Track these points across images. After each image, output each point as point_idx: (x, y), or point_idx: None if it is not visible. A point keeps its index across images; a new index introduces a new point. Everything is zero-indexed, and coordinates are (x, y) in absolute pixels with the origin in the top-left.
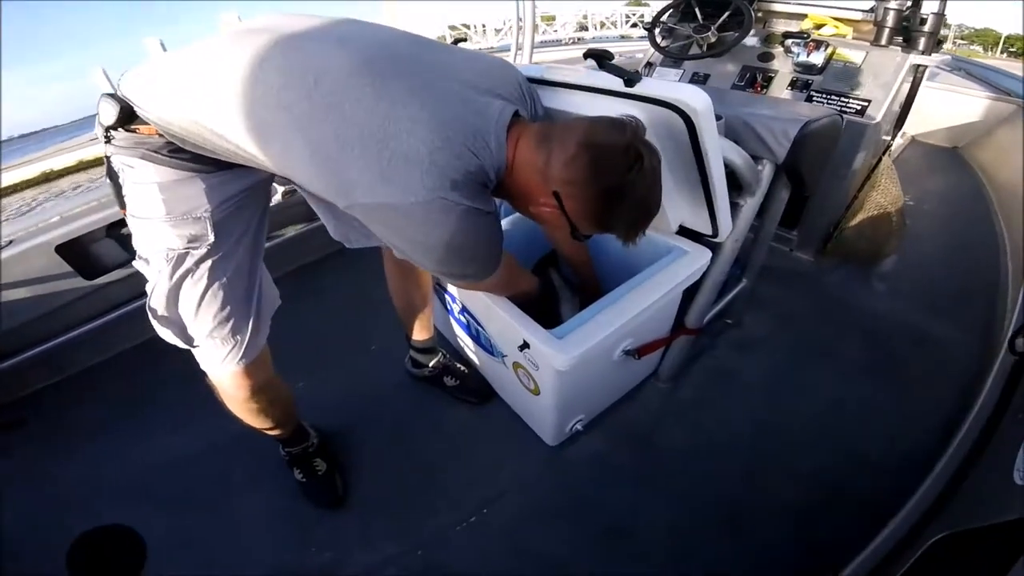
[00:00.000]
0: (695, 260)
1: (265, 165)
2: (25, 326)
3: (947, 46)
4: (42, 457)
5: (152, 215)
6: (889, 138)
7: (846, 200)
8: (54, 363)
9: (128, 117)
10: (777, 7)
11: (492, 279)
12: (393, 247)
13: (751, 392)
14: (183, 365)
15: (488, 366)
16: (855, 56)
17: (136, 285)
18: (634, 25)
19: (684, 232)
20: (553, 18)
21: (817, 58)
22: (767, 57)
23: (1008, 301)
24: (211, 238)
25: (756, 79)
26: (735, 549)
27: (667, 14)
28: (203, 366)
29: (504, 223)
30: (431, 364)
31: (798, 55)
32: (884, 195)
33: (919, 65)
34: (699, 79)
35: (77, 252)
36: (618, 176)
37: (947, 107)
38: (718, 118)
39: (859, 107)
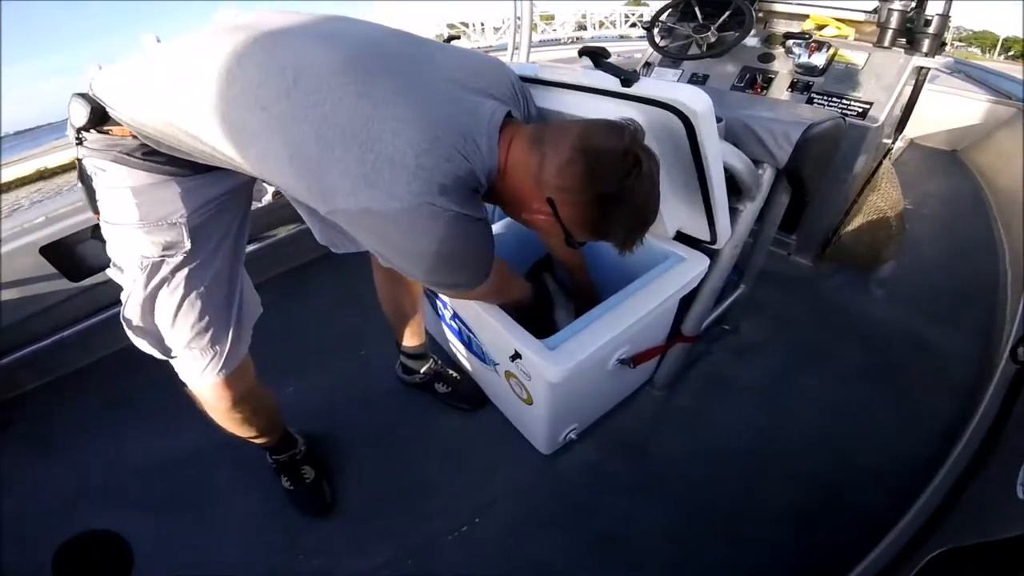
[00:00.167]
0: (693, 267)
1: (243, 168)
2: (11, 328)
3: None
4: (28, 460)
5: (125, 221)
6: (890, 141)
7: (846, 204)
8: (41, 365)
9: (100, 118)
10: (778, 7)
11: (483, 288)
12: (378, 255)
13: (748, 399)
14: (170, 368)
15: (480, 373)
16: (857, 58)
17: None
18: (633, 25)
19: (681, 237)
20: (552, 17)
21: (819, 59)
22: (767, 58)
23: (1008, 308)
24: (187, 245)
25: (756, 80)
26: (731, 557)
27: (666, 13)
28: (182, 377)
29: (497, 227)
30: (422, 370)
31: (799, 56)
32: (884, 199)
33: (922, 67)
34: (698, 79)
35: (62, 253)
36: (615, 183)
37: (946, 110)
38: (718, 120)
39: (861, 109)
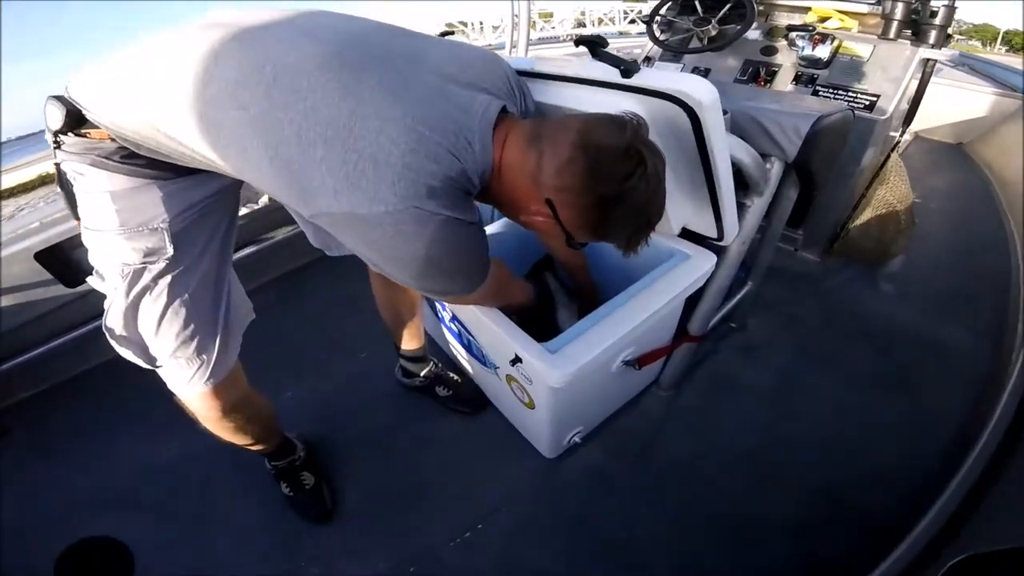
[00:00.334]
0: (699, 265)
1: (224, 170)
2: (7, 334)
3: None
4: (27, 466)
5: (105, 227)
6: (898, 134)
7: (853, 199)
8: (38, 372)
9: (77, 121)
10: (780, 0)
11: (479, 292)
12: (367, 260)
13: (755, 399)
14: None
15: (482, 376)
16: (862, 50)
17: None
18: (632, 21)
19: (687, 234)
20: (551, 15)
21: (823, 52)
22: (770, 51)
23: (1022, 305)
24: (170, 251)
25: (759, 73)
26: (737, 564)
27: (666, 7)
28: (170, 387)
29: (496, 226)
30: (422, 373)
31: (803, 48)
32: (892, 192)
33: (929, 59)
34: (700, 73)
35: (57, 259)
36: (617, 182)
37: (951, 103)
38: (723, 113)
39: (868, 102)
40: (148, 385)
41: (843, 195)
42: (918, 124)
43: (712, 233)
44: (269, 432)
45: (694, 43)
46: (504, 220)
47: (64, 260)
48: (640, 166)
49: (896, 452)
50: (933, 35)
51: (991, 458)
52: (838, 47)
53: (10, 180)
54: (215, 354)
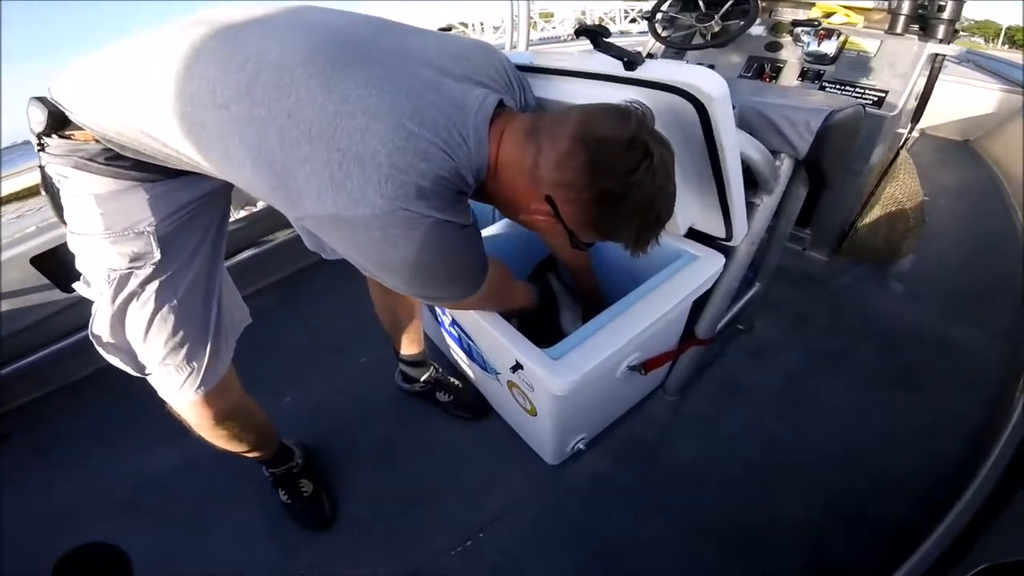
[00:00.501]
0: (707, 266)
1: (210, 172)
2: (6, 339)
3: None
4: (27, 472)
5: (89, 231)
6: (906, 131)
7: (862, 197)
8: (37, 377)
9: (61, 122)
10: None
11: (477, 296)
12: (356, 265)
13: (763, 403)
14: None
15: (483, 381)
16: (869, 45)
17: None
18: (633, 21)
19: (693, 234)
20: (551, 15)
21: (829, 47)
22: (775, 47)
23: None
24: (157, 255)
25: (764, 69)
26: (745, 573)
27: (667, 3)
28: (160, 394)
29: (497, 227)
30: (422, 379)
31: (808, 44)
32: (901, 190)
33: (938, 54)
34: None
35: (54, 263)
36: (621, 176)
37: (957, 99)
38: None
39: (876, 98)
40: (147, 390)
41: (851, 193)
42: (924, 121)
43: (720, 233)
44: (265, 440)
45: (697, 40)
46: (506, 220)
47: (60, 264)
48: (646, 158)
49: (909, 457)
50: (941, 30)
51: (1009, 463)
52: (844, 42)
53: (13, 185)
54: (206, 361)
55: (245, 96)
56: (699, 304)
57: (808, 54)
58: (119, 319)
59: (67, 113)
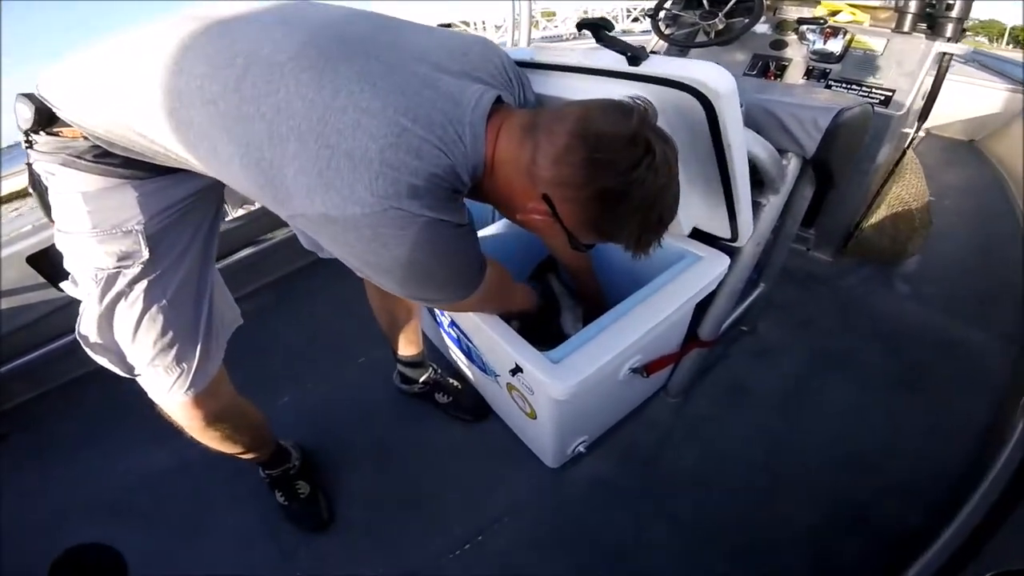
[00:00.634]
0: (712, 267)
1: (199, 169)
2: (5, 338)
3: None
4: (23, 471)
5: (77, 229)
6: (912, 131)
7: (868, 197)
8: (34, 376)
9: (48, 119)
10: None
11: (474, 298)
12: (349, 265)
13: (766, 406)
14: None
15: (482, 383)
16: (876, 44)
17: None
18: (635, 20)
19: (697, 234)
20: (553, 14)
21: (835, 46)
22: (780, 45)
23: None
24: (145, 254)
25: (769, 68)
26: None
27: (671, 0)
28: (150, 395)
29: (497, 227)
30: (421, 379)
31: (814, 43)
32: (907, 190)
33: (945, 53)
34: None
35: (50, 262)
36: (621, 173)
37: (962, 99)
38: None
39: (883, 97)
40: (142, 391)
41: (857, 193)
42: (929, 121)
43: (725, 233)
44: (260, 441)
45: (700, 37)
46: (505, 220)
47: (56, 263)
48: (648, 155)
49: (914, 460)
50: (950, 28)
51: (1018, 467)
52: (850, 41)
53: (14, 184)
54: (196, 362)
55: (233, 92)
56: (702, 306)
57: (814, 52)
58: (107, 319)
59: (55, 110)
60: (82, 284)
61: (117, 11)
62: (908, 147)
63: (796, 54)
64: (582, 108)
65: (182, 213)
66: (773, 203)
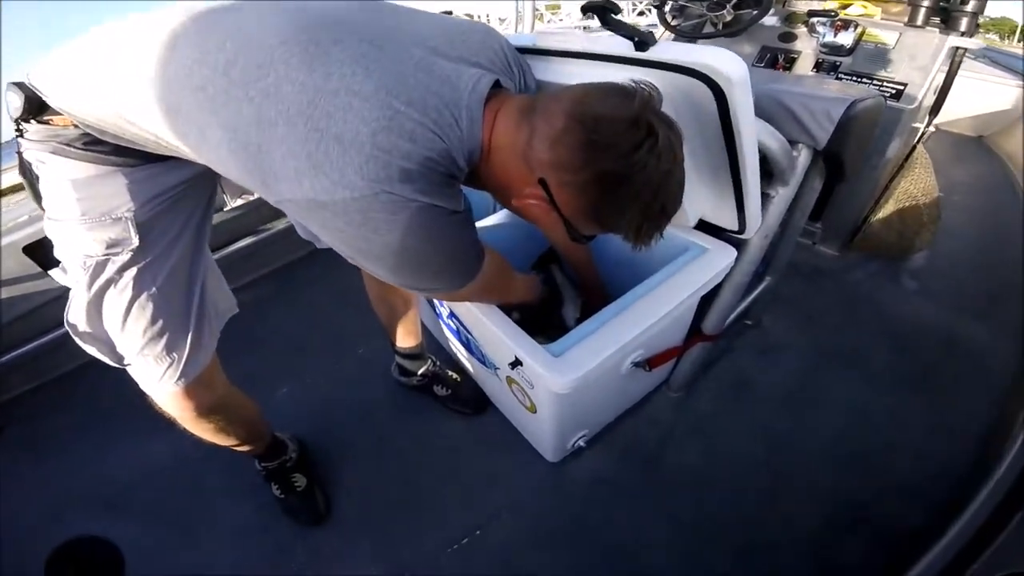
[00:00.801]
0: (718, 260)
1: (189, 156)
2: (4, 328)
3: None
4: (18, 464)
5: (66, 216)
6: (923, 125)
7: (876, 191)
8: (30, 368)
9: (39, 108)
10: None
11: (472, 288)
12: (341, 253)
13: (769, 402)
14: None
15: (482, 375)
16: (888, 37)
17: None
18: (641, 14)
19: (702, 226)
20: (558, 7)
21: (845, 38)
22: (789, 37)
23: None
24: (135, 241)
25: (777, 60)
26: (748, 574)
27: None
28: (141, 386)
29: (499, 216)
30: (420, 372)
31: (824, 35)
32: (916, 185)
33: (958, 48)
34: None
35: (46, 251)
36: (621, 156)
37: (971, 95)
38: None
39: (894, 91)
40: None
41: (866, 187)
42: (938, 117)
43: (732, 225)
44: (254, 434)
45: (708, 29)
46: (507, 210)
47: (46, 253)
48: (650, 138)
49: (919, 458)
50: (964, 22)
51: None
52: (862, 34)
53: (15, 178)
54: (187, 351)
55: (222, 76)
56: (707, 299)
57: (824, 45)
58: (96, 307)
59: (44, 98)
60: (71, 271)
61: (117, 11)
62: (918, 142)
63: (806, 47)
64: (581, 90)
65: (173, 201)
66: (782, 195)
